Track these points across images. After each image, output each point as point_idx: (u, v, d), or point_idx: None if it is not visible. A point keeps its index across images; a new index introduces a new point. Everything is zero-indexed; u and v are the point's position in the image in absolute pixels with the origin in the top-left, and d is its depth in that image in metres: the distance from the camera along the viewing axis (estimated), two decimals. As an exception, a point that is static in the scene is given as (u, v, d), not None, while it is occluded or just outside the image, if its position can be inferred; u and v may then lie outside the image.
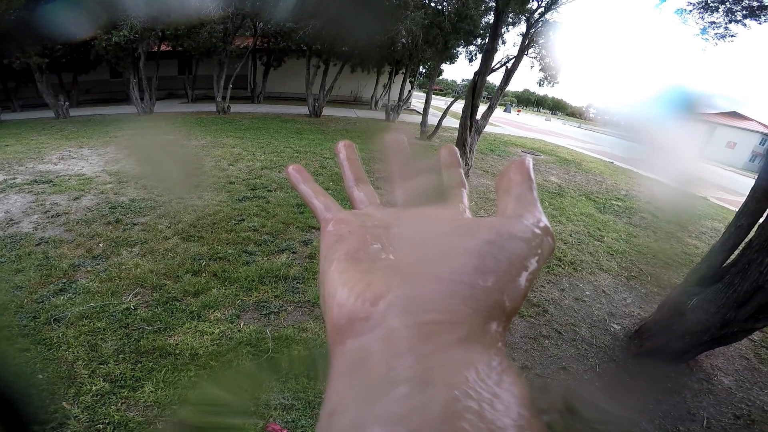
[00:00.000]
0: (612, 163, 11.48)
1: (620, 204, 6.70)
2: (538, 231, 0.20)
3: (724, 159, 25.54)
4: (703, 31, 6.39)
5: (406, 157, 0.30)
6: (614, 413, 2.16)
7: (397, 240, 0.22)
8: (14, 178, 4.92)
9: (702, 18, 6.37)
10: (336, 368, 0.16)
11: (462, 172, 0.28)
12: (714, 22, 6.28)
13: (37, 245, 3.31)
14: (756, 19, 5.96)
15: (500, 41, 10.15)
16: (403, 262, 0.20)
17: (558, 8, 6.84)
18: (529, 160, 0.24)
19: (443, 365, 0.14)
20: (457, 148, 0.29)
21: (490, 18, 6.87)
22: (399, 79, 16.96)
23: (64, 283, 2.81)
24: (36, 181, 4.83)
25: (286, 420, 1.89)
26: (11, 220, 3.76)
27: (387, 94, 17.03)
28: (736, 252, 2.54)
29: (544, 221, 0.20)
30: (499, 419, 0.13)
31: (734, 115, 27.46)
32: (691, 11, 6.41)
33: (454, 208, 0.25)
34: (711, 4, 6.13)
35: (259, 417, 1.88)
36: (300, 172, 0.30)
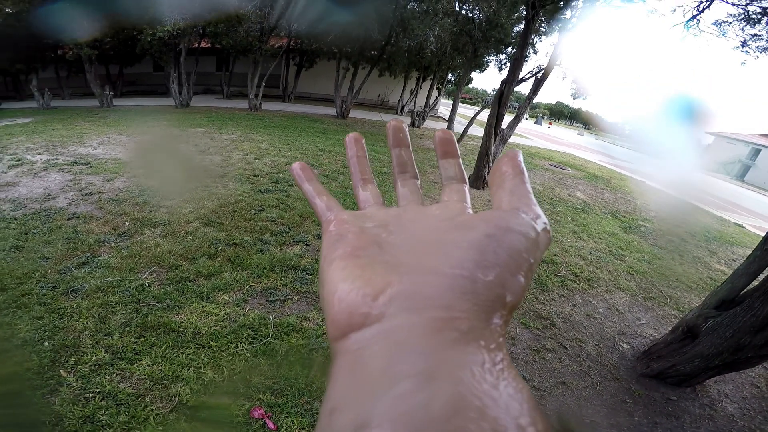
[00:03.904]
0: (644, 182, 11.04)
1: (647, 225, 6.43)
2: (535, 225, 0.19)
3: (770, 185, 23.92)
4: (744, 43, 6.08)
5: (408, 150, 0.30)
6: None
7: (398, 238, 0.22)
8: (56, 159, 5.27)
9: (743, 30, 6.07)
10: (337, 365, 0.16)
11: (461, 163, 0.28)
12: (756, 35, 5.97)
13: (68, 219, 3.53)
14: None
15: (531, 50, 10.03)
16: (403, 258, 0.19)
17: (590, 19, 6.68)
18: (520, 154, 0.23)
19: (445, 361, 0.14)
20: (453, 133, 0.29)
21: (522, 27, 6.79)
22: (427, 85, 16.98)
23: (88, 257, 2.98)
24: (76, 163, 5.16)
25: (272, 404, 1.92)
26: (49, 195, 4.03)
27: (414, 99, 17.08)
28: (761, 277, 2.40)
29: (541, 215, 0.20)
30: (501, 417, 0.12)
31: (781, 136, 25.64)
32: (731, 23, 6.12)
33: (456, 205, 0.24)
34: (753, 16, 5.82)
35: (247, 399, 1.92)
36: (304, 170, 0.30)
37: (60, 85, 13.29)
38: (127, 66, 14.85)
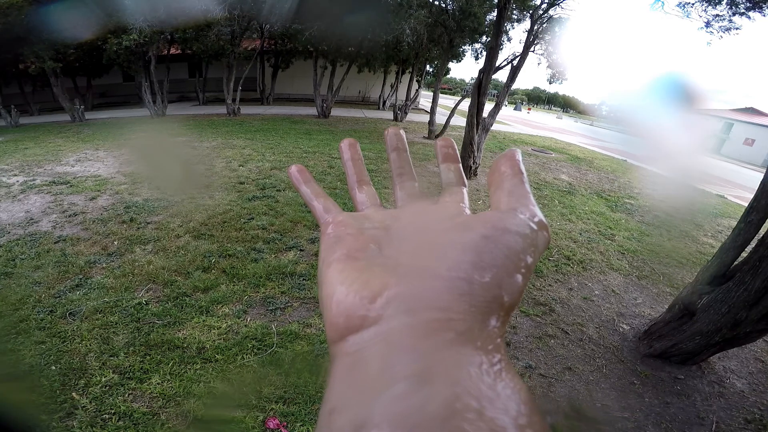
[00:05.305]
0: (625, 161, 11.30)
1: (633, 202, 6.58)
2: (533, 225, 0.19)
3: (743, 156, 24.89)
4: (707, 24, 6.28)
5: (406, 154, 0.30)
6: (618, 416, 2.12)
7: (396, 240, 0.22)
8: (34, 180, 5.09)
9: (705, 11, 6.27)
10: (335, 367, 0.16)
11: (461, 168, 0.28)
12: (718, 15, 6.17)
13: (55, 243, 3.42)
14: (760, 11, 5.85)
15: (505, 38, 10.10)
16: (401, 260, 0.19)
17: (562, 4, 6.77)
18: (518, 153, 0.23)
19: (442, 362, 0.14)
20: (454, 141, 0.29)
21: (495, 15, 6.84)
22: (406, 78, 16.95)
23: (80, 279, 2.91)
24: (54, 182, 4.98)
25: (285, 414, 1.92)
26: (31, 219, 3.89)
27: (394, 93, 17.03)
28: (748, 249, 2.48)
29: (539, 215, 0.20)
30: (499, 417, 0.12)
31: (751, 111, 26.74)
32: (693, 4, 6.30)
33: (454, 207, 0.24)
34: (713, -3, 6.04)
35: (260, 410, 1.92)
36: (301, 172, 0.30)
37: (27, 101, 12.79)
38: (95, 77, 14.37)
